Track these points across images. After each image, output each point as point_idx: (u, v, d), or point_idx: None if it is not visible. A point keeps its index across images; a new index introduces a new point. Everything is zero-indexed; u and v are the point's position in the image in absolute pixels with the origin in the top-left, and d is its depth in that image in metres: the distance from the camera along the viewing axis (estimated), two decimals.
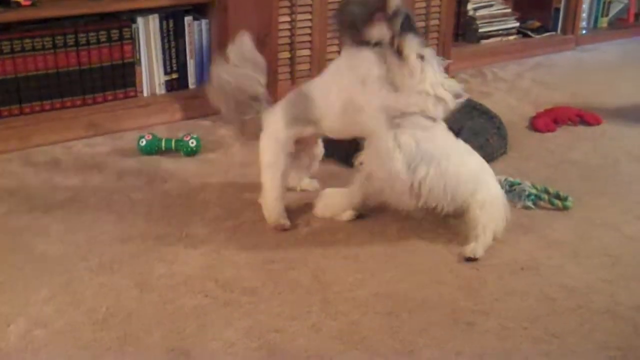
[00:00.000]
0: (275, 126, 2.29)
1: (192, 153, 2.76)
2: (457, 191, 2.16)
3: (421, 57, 2.13)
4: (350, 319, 1.84)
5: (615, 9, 5.01)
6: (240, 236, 2.22)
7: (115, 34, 2.99)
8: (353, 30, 2.16)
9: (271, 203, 2.29)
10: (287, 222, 2.28)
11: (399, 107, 2.13)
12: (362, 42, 2.15)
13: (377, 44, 2.13)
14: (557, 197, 2.46)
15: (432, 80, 2.14)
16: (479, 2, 4.24)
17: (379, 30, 2.12)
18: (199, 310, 1.87)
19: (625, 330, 1.83)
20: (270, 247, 2.17)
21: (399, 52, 2.12)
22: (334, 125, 2.26)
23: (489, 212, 2.17)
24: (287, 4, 3.00)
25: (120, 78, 3.05)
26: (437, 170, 2.12)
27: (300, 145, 2.36)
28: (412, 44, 2.12)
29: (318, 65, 3.15)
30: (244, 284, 1.98)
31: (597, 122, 3.25)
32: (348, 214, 2.32)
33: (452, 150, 2.18)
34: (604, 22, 4.93)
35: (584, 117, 3.24)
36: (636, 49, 4.62)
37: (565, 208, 2.43)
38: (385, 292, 1.96)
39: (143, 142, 2.75)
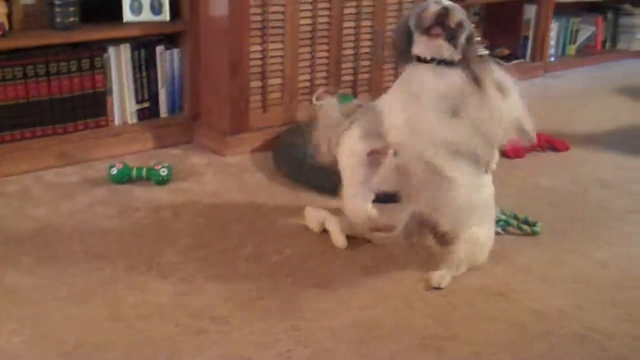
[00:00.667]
0: (350, 140, 2.20)
1: (163, 182, 2.76)
2: (464, 219, 2.13)
3: (500, 89, 2.03)
4: (322, 346, 1.84)
5: (582, 37, 5.11)
6: (211, 265, 2.22)
7: (86, 63, 2.99)
8: (404, 48, 2.08)
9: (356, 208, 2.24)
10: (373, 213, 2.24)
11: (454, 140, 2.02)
12: (419, 59, 2.06)
13: (440, 61, 2.04)
14: (526, 222, 2.48)
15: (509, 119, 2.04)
16: None
17: (435, 46, 2.03)
18: (169, 340, 1.85)
19: (594, 355, 1.85)
20: (241, 276, 2.16)
21: (475, 79, 2.02)
22: (400, 138, 2.11)
23: (473, 250, 2.17)
24: (258, 33, 3.02)
25: (91, 107, 3.04)
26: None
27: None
28: (491, 72, 2.02)
29: (290, 93, 3.18)
30: (214, 312, 1.97)
31: (566, 149, 3.29)
32: (342, 242, 2.32)
33: (474, 176, 2.12)
34: (572, 49, 5.02)
35: (552, 144, 3.29)
36: (604, 76, 4.71)
37: (534, 233, 2.45)
38: (356, 319, 1.96)
39: (114, 171, 2.74)
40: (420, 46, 2.07)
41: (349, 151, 2.21)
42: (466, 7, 4.24)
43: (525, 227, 2.46)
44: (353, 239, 2.35)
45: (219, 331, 1.90)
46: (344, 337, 1.88)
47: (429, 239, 2.32)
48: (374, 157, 2.21)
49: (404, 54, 2.11)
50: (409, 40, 2.08)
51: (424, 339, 1.89)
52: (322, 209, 2.42)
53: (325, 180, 2.71)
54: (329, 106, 2.28)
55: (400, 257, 2.28)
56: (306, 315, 1.97)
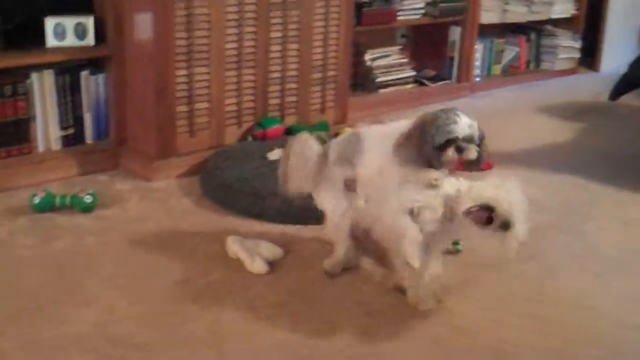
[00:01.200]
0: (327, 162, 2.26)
1: (87, 209, 2.73)
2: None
3: None
4: None
5: (507, 57, 5.23)
6: (134, 292, 2.21)
7: (8, 89, 2.95)
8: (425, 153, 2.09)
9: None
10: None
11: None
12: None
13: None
14: None
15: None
16: (377, 53, 4.36)
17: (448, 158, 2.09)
18: None
19: None
20: (165, 301, 2.16)
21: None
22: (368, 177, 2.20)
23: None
24: (184, 57, 3.03)
25: (14, 134, 3.00)
26: None
27: None
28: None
29: (217, 117, 3.19)
30: (136, 339, 1.96)
31: (489, 168, 3.36)
32: (261, 267, 2.33)
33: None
34: (497, 69, 5.14)
35: None
36: (527, 95, 4.83)
37: (456, 251, 2.50)
38: (280, 341, 1.97)
39: (37, 200, 2.71)
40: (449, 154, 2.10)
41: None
42: (393, 30, 4.34)
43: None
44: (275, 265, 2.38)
45: (140, 358, 1.89)
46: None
47: (368, 260, 2.37)
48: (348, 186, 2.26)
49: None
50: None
51: (348, 358, 1.92)
52: (241, 239, 2.43)
53: (252, 205, 2.73)
54: (303, 145, 2.33)
55: (323, 280, 2.31)
56: (230, 339, 1.97)
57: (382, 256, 2.27)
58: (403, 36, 4.68)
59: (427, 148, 2.07)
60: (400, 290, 2.21)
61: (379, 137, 2.22)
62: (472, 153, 2.13)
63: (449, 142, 2.07)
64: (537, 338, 2.03)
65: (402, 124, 2.20)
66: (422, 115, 2.14)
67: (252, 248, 2.39)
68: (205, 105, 3.15)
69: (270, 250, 2.41)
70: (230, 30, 3.13)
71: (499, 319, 2.12)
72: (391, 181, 2.12)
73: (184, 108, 3.09)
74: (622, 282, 2.36)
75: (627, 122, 4.24)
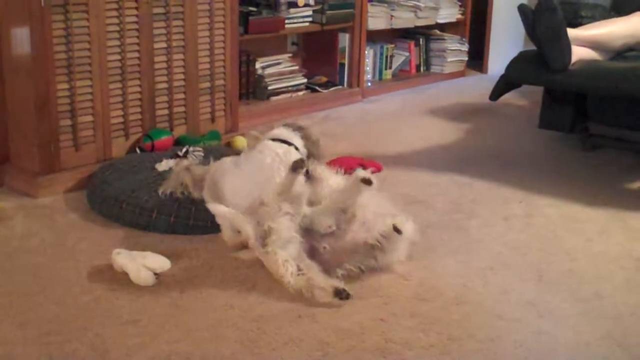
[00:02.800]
0: None
1: None
2: None
3: None
4: None
5: (397, 62, 5.35)
6: (16, 311, 2.16)
7: None
8: None
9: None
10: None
11: None
12: None
13: None
14: None
15: None
16: (267, 61, 4.39)
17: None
18: None
19: None
20: (48, 320, 2.11)
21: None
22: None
23: None
24: (65, 70, 2.98)
25: None
26: None
27: None
28: None
29: (102, 131, 3.14)
30: None
31: (378, 170, 3.43)
32: (146, 279, 2.32)
33: None
34: (388, 74, 5.25)
35: (365, 166, 3.41)
36: (417, 98, 4.95)
37: None
38: (163, 353, 1.96)
39: None
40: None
41: None
42: (283, 38, 4.38)
43: None
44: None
45: None
46: None
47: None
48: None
49: None
50: None
51: None
52: (126, 252, 2.40)
53: (139, 217, 2.71)
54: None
55: (207, 289, 2.31)
56: (113, 354, 1.95)
57: None
58: (294, 44, 4.73)
59: None
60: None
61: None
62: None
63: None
64: (422, 335, 2.08)
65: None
66: None
67: (138, 260, 2.36)
68: (89, 118, 3.10)
69: (157, 262, 2.39)
70: (111, 42, 3.10)
71: (383, 319, 2.16)
72: None
73: (67, 122, 3.04)
74: (501, 277, 2.45)
75: (511, 121, 4.40)
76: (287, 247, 2.32)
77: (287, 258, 2.29)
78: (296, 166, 2.40)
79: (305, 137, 2.78)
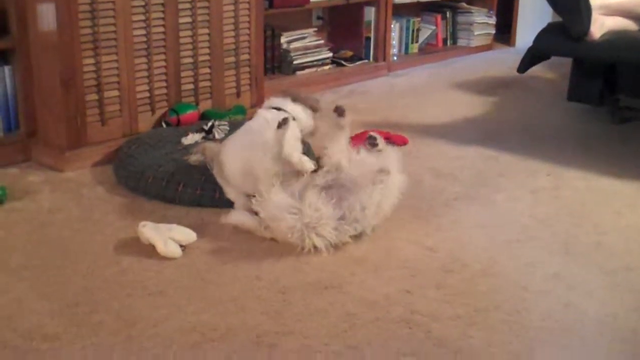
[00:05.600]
0: None
1: None
2: None
3: None
4: (153, 353, 1.85)
5: (424, 36, 5.31)
6: (43, 283, 2.18)
7: None
8: None
9: None
10: None
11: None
12: None
13: None
14: None
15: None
16: (292, 35, 4.37)
17: None
18: None
19: (418, 336, 1.94)
20: (75, 292, 2.14)
21: None
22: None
23: None
24: (90, 46, 2.99)
25: None
26: None
27: None
28: None
29: (128, 105, 3.15)
30: (45, 330, 1.94)
31: (404, 143, 3.42)
32: (173, 251, 2.33)
33: None
34: (414, 48, 5.21)
35: (391, 139, 3.40)
36: (444, 72, 4.91)
37: None
38: (189, 325, 1.97)
39: None
40: None
41: None
42: (308, 12, 4.35)
43: None
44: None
45: (50, 349, 1.87)
46: (177, 343, 1.89)
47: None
48: None
49: None
50: None
51: (258, 336, 1.93)
52: (153, 224, 2.41)
53: (165, 190, 2.72)
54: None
55: (234, 261, 2.31)
56: (139, 325, 1.97)
57: None
58: (319, 18, 4.70)
59: None
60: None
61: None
62: None
63: None
64: (447, 307, 2.07)
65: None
66: None
67: (164, 233, 2.37)
68: (115, 93, 3.11)
69: (184, 234, 2.40)
70: (137, 17, 3.10)
71: (409, 290, 2.16)
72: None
73: (93, 97, 3.05)
74: (528, 249, 2.43)
75: (537, 94, 4.35)
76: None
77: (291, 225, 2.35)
78: (280, 124, 2.48)
79: (299, 103, 2.79)
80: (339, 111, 2.64)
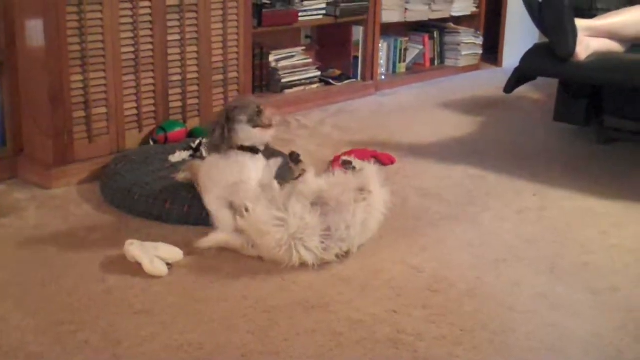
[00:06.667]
0: None
1: None
2: None
3: None
4: None
5: (411, 55, 5.33)
6: (29, 301, 2.16)
7: None
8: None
9: None
10: None
11: None
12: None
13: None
14: None
15: None
16: (281, 54, 4.39)
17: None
18: None
19: (405, 356, 1.94)
20: (61, 309, 2.12)
21: None
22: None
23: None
24: (79, 62, 2.99)
25: None
26: None
27: None
28: None
29: (116, 122, 3.15)
30: (29, 349, 1.93)
31: (392, 162, 3.43)
32: (159, 270, 2.32)
33: None
34: (402, 67, 5.24)
35: (379, 158, 3.42)
36: (431, 92, 4.94)
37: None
38: (176, 343, 1.96)
39: None
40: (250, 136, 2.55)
41: None
42: (297, 31, 4.37)
43: None
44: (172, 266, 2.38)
45: None
46: None
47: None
48: None
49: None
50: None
51: (244, 355, 1.92)
52: (139, 242, 2.40)
53: (152, 208, 2.71)
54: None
55: (221, 280, 2.31)
56: (125, 344, 1.96)
57: None
58: (307, 37, 4.72)
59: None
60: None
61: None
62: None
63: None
64: (433, 327, 2.07)
65: None
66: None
67: (151, 251, 2.37)
68: (103, 110, 3.11)
69: (170, 252, 2.40)
70: (125, 34, 3.11)
71: (395, 310, 2.16)
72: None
73: (81, 114, 3.05)
74: (514, 269, 2.44)
75: (524, 114, 4.38)
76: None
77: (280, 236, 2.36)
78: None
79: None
80: (294, 158, 2.66)
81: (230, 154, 2.54)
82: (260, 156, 2.59)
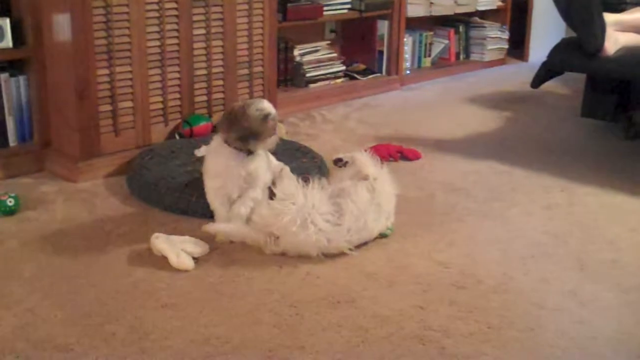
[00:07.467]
0: None
1: (10, 212, 2.69)
2: None
3: None
4: None
5: (437, 50, 5.30)
6: (57, 293, 2.18)
7: None
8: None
9: None
10: None
11: None
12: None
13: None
14: None
15: None
16: (305, 48, 4.38)
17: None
18: None
19: (432, 353, 1.92)
20: (88, 302, 2.13)
21: None
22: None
23: None
24: (105, 57, 3.00)
25: None
26: None
27: None
28: None
29: (142, 116, 3.16)
30: (57, 341, 1.94)
31: (417, 157, 3.41)
32: (186, 263, 2.32)
33: None
34: (427, 62, 5.21)
35: (404, 153, 3.40)
36: (456, 86, 4.91)
37: (383, 236, 2.53)
38: (202, 337, 1.97)
39: None
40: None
41: None
42: (322, 25, 4.36)
43: None
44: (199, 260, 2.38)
45: (62, 359, 1.86)
46: (189, 356, 1.88)
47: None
48: None
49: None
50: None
51: (271, 350, 1.92)
52: (165, 236, 2.41)
53: (178, 201, 2.72)
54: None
55: (246, 274, 2.31)
56: (151, 336, 1.96)
57: None
58: (332, 31, 4.70)
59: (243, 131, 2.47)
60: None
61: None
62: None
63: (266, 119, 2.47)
64: (461, 323, 2.06)
65: None
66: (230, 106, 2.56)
67: (177, 244, 2.37)
68: (129, 104, 3.12)
69: (196, 246, 2.40)
70: (151, 29, 3.11)
71: (422, 305, 2.14)
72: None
73: (107, 108, 3.06)
74: (542, 265, 2.41)
75: (552, 109, 4.34)
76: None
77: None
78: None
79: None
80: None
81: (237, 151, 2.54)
82: (262, 155, 2.59)
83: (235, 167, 2.52)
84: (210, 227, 2.50)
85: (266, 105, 2.50)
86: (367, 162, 2.65)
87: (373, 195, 2.51)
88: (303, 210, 2.38)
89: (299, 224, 2.36)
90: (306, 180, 2.52)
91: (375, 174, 2.60)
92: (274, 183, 2.59)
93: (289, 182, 2.52)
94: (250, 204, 2.53)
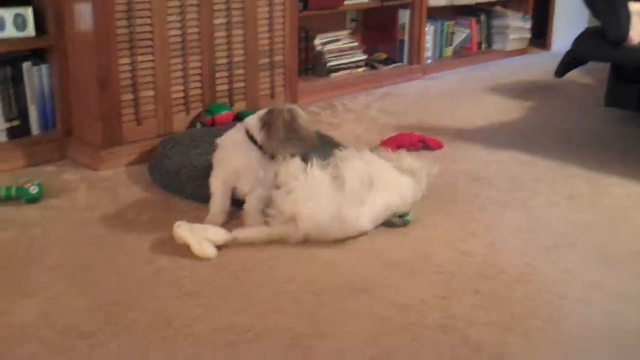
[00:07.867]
0: None
1: (34, 200, 2.71)
2: None
3: None
4: (188, 353, 1.85)
5: (458, 39, 5.27)
6: (81, 281, 2.19)
7: None
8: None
9: None
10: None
11: None
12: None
13: None
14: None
15: None
16: (327, 38, 4.37)
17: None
18: (32, 358, 1.82)
19: (455, 342, 1.91)
20: (112, 290, 2.14)
21: None
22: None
23: None
24: (127, 46, 3.01)
25: None
26: None
27: None
28: None
29: (164, 105, 3.16)
30: (81, 328, 1.95)
31: (439, 147, 3.39)
32: (208, 252, 2.33)
33: None
34: (449, 51, 5.18)
35: (426, 143, 3.38)
36: (479, 76, 4.87)
37: (405, 224, 2.53)
38: (225, 325, 1.97)
39: None
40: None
41: None
42: (343, 14, 4.34)
43: (395, 220, 2.53)
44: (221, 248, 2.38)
45: (86, 346, 1.88)
46: (212, 344, 1.88)
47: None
48: None
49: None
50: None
51: (293, 339, 1.92)
52: (188, 225, 2.41)
53: (200, 190, 2.72)
54: None
55: (268, 262, 2.31)
56: (174, 324, 1.97)
57: None
58: (353, 20, 4.68)
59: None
60: None
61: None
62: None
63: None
64: (484, 313, 2.05)
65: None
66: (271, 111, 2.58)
67: (199, 233, 2.37)
68: (151, 93, 3.13)
69: (218, 235, 2.40)
70: (172, 18, 3.12)
71: (445, 295, 2.13)
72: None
73: (129, 97, 3.06)
74: (566, 256, 2.39)
75: (575, 99, 4.30)
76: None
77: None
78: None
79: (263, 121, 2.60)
80: None
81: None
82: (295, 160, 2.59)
83: (257, 169, 2.53)
84: (240, 234, 2.46)
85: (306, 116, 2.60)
86: (352, 157, 2.70)
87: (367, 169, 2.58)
88: (310, 185, 2.43)
89: (312, 198, 2.41)
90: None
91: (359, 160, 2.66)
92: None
93: (293, 164, 2.54)
94: (261, 204, 2.54)
